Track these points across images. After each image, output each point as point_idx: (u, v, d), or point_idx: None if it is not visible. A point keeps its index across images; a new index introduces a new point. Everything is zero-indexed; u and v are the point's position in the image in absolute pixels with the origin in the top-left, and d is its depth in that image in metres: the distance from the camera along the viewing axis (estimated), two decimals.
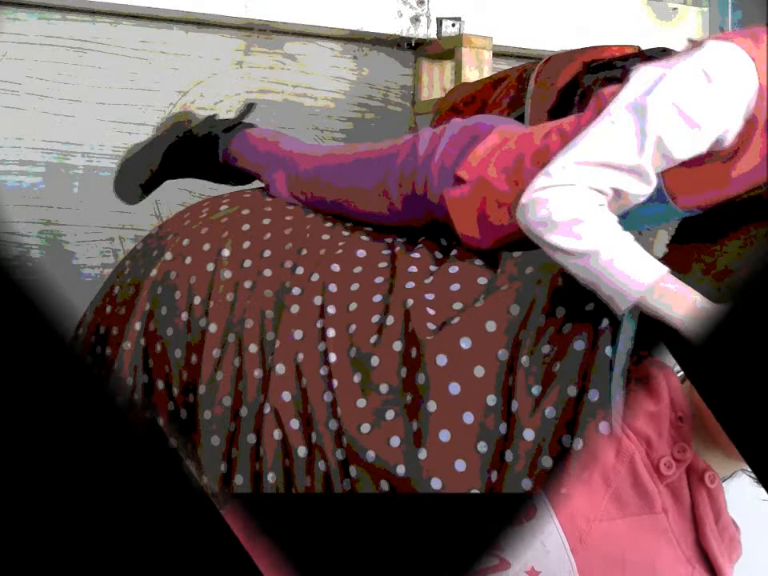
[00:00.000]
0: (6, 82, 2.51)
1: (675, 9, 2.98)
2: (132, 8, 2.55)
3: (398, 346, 1.52)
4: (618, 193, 1.44)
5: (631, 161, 1.42)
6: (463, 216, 1.60)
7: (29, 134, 2.53)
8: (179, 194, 2.43)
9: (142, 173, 2.08)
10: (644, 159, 1.42)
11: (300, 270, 1.63)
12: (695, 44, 1.49)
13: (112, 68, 2.59)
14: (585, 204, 1.42)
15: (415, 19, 2.77)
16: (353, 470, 1.48)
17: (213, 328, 1.62)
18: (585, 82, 2.00)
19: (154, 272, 1.71)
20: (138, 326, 1.69)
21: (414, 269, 1.60)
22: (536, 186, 1.44)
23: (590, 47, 2.11)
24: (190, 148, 2.03)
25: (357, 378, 1.52)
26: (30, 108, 2.53)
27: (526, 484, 1.39)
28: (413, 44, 2.80)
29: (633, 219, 1.49)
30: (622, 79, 1.94)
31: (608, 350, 1.40)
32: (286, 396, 1.55)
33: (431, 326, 1.51)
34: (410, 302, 1.54)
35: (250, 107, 2.10)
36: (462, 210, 1.60)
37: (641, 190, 1.44)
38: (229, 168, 1.98)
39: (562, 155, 1.46)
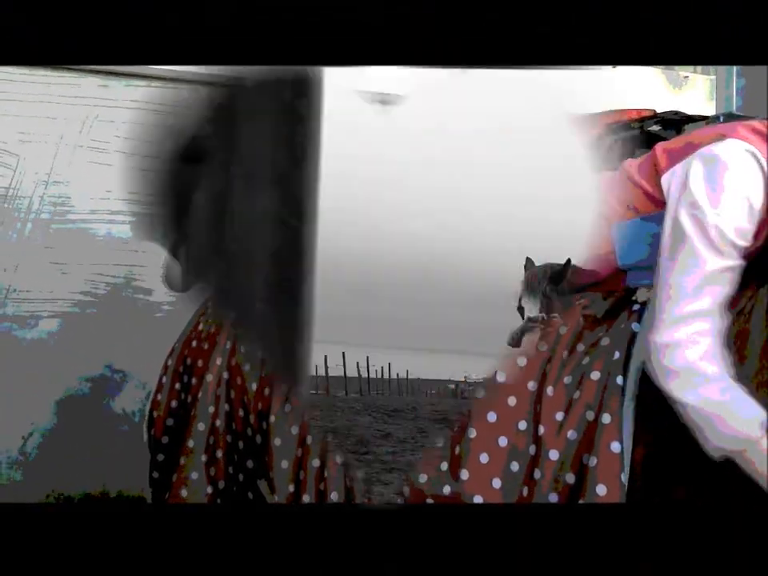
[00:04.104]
0: (97, 141, 2.71)
1: (686, 77, 3.10)
2: (207, 76, 2.63)
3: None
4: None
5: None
6: None
7: (117, 188, 2.68)
8: None
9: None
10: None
11: None
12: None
13: None
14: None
15: None
16: (406, 491, 1.61)
17: None
18: (606, 141, 2.18)
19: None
20: (219, 360, 1.86)
21: None
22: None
23: (612, 110, 2.30)
24: None
25: None
26: (117, 164, 2.66)
27: (552, 498, 1.53)
28: None
29: None
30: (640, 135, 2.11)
31: (619, 379, 1.52)
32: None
33: None
34: None
35: None
36: None
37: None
38: None
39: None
